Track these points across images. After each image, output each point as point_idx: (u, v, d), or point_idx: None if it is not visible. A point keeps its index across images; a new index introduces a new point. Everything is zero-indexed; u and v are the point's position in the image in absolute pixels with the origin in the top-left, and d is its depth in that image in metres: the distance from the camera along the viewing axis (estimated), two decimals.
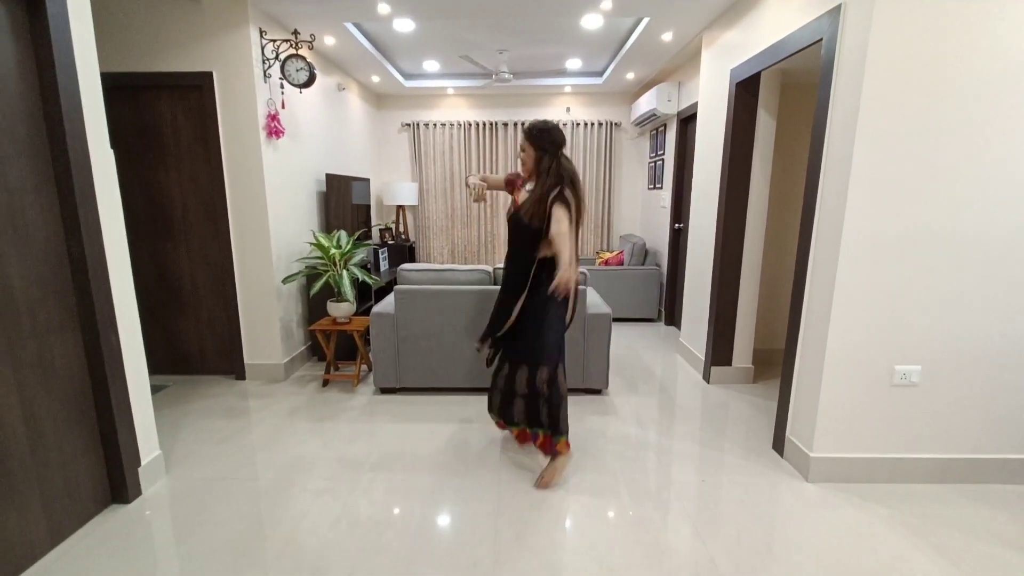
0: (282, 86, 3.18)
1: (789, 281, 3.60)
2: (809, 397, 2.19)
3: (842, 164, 1.98)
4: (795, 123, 3.39)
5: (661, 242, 4.98)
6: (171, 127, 3.14)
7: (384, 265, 5.06)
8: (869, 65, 1.85)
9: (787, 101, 3.27)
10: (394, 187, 5.43)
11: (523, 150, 2.15)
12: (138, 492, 2.08)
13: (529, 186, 2.19)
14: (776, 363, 3.65)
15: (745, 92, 2.98)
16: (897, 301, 2.02)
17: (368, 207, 5.13)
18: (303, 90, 3.17)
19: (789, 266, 3.60)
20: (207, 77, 3.02)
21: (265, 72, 3.11)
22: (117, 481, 2.02)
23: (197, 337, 3.41)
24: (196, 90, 3.06)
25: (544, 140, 2.08)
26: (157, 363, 3.43)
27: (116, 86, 3.05)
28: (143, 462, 2.12)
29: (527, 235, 2.11)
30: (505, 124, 5.65)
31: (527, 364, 2.17)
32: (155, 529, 1.91)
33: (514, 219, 2.18)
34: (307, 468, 2.31)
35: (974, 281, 1.99)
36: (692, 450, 2.48)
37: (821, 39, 2.12)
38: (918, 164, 1.92)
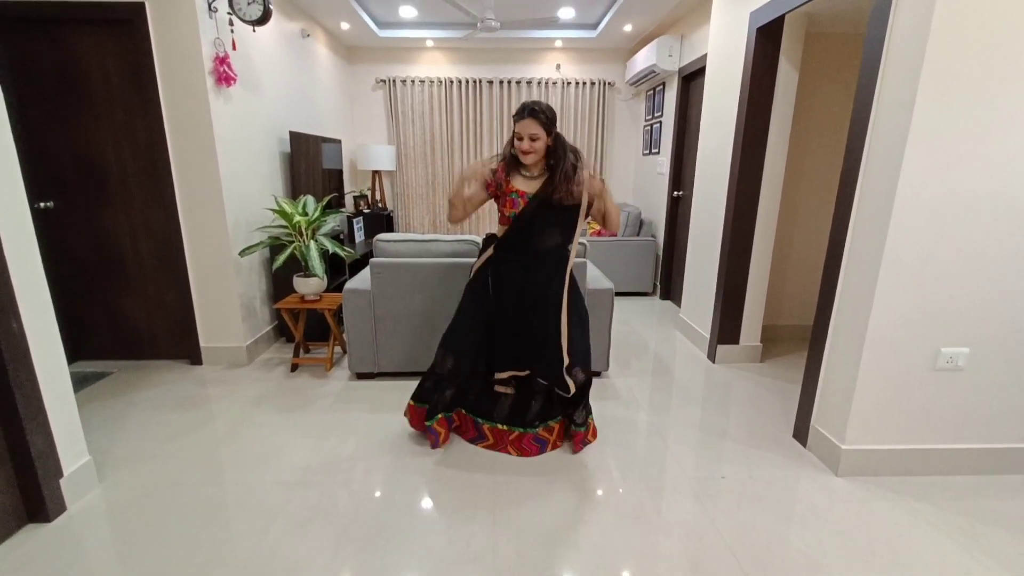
0: (231, 23, 2.70)
1: (801, 252, 3.37)
2: (843, 383, 1.95)
3: (898, 115, 1.68)
4: (816, 79, 3.07)
5: (657, 211, 4.68)
6: (98, 70, 2.64)
7: (359, 236, 4.66)
8: None
9: (808, 54, 2.94)
10: (369, 150, 4.97)
11: (536, 139, 1.88)
12: (62, 508, 1.74)
13: (527, 171, 1.97)
14: (783, 340, 3.44)
15: (765, 39, 2.64)
16: (949, 275, 1.77)
17: (340, 172, 4.67)
18: (257, 28, 2.70)
19: (803, 235, 3.34)
20: (138, 9, 2.52)
21: (210, 5, 2.63)
22: (32, 496, 1.67)
23: (145, 317, 3.00)
24: (126, 25, 2.56)
25: (554, 121, 1.92)
26: (100, 347, 3.02)
27: (25, 18, 2.53)
28: (66, 472, 1.77)
29: (563, 218, 1.96)
30: (490, 82, 5.18)
31: (582, 370, 2.01)
32: (81, 553, 1.57)
33: (538, 208, 1.93)
34: (272, 469, 1.99)
35: None
36: (705, 440, 2.25)
37: None
38: (994, 115, 1.63)
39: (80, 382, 2.76)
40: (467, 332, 2.07)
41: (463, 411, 2.19)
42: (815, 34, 2.94)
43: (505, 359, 2.10)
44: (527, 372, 2.08)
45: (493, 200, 2.02)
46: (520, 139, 1.88)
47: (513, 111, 2.10)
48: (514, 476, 1.97)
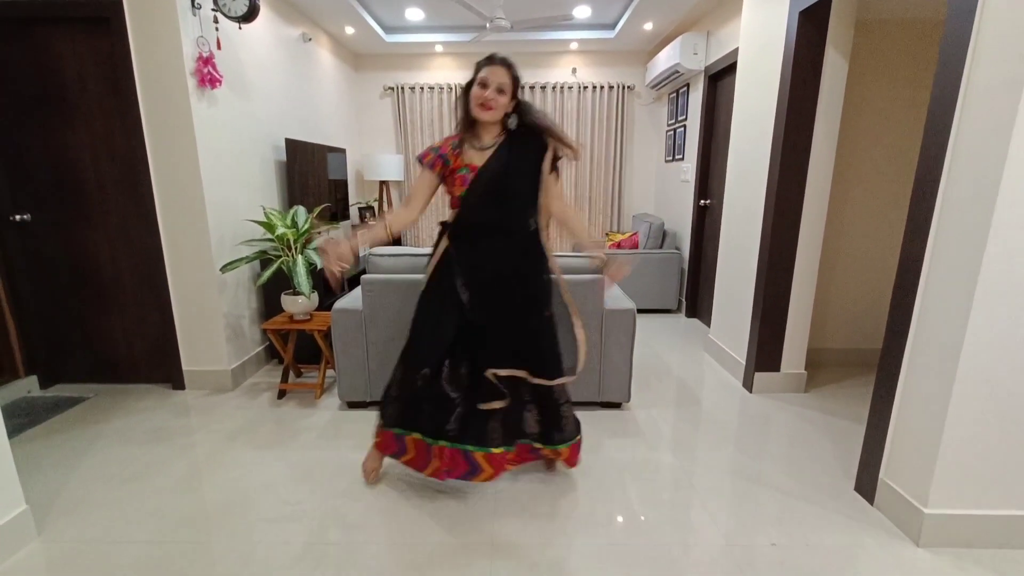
0: (216, 20, 2.49)
1: (851, 266, 2.99)
2: (924, 428, 1.58)
3: (997, 108, 1.34)
4: (868, 71, 2.71)
5: (682, 222, 4.33)
6: (75, 73, 2.46)
7: (363, 250, 4.40)
8: None
9: (859, 43, 2.60)
10: (376, 160, 4.75)
11: (503, 91, 1.61)
12: None
13: (479, 142, 1.69)
14: (829, 366, 3.04)
15: (809, 25, 2.31)
16: None
17: (345, 182, 4.46)
18: (243, 25, 2.49)
19: (852, 247, 2.96)
20: (116, 7, 2.33)
21: (193, 2, 2.43)
22: None
23: (124, 338, 2.78)
24: (102, 24, 2.37)
25: (520, 84, 1.67)
26: (79, 370, 2.81)
27: None
28: None
29: (525, 185, 1.68)
30: None
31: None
32: None
33: (505, 160, 1.66)
34: (235, 524, 1.70)
35: None
36: (746, 491, 1.88)
37: None
38: None
39: (52, 408, 2.54)
40: (431, 346, 1.73)
41: (444, 444, 1.72)
42: (867, 20, 2.60)
43: (503, 355, 1.71)
44: (526, 371, 1.72)
45: (443, 184, 1.76)
46: (485, 87, 1.59)
47: None
48: (517, 519, 1.65)
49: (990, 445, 1.51)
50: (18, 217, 2.59)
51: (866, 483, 1.81)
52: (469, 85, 1.64)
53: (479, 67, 1.63)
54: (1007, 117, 1.32)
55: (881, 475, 1.75)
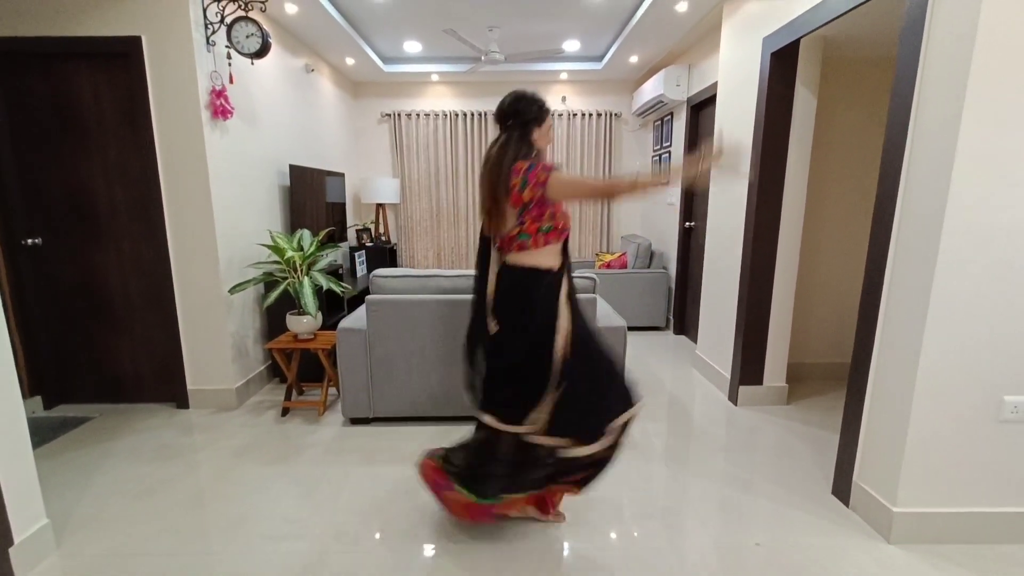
0: (229, 56, 2.65)
1: (827, 284, 3.17)
2: (891, 435, 1.72)
3: (941, 141, 1.52)
4: (836, 105, 2.94)
5: (668, 243, 4.52)
6: (92, 104, 2.58)
7: (361, 270, 4.54)
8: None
9: (826, 79, 2.83)
10: (373, 183, 4.90)
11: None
12: None
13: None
14: (810, 379, 3.20)
15: (781, 65, 2.53)
16: (1010, 315, 1.57)
17: (343, 205, 4.59)
18: (255, 61, 2.65)
19: (828, 267, 3.15)
20: (134, 43, 2.48)
21: (208, 39, 2.58)
22: None
23: (131, 358, 2.85)
24: (121, 59, 2.51)
25: None
26: (83, 390, 2.86)
27: (21, 53, 2.50)
28: (17, 539, 1.58)
29: None
30: None
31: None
32: None
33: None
34: (245, 536, 1.78)
35: None
36: (733, 497, 2.00)
37: None
38: None
39: (57, 428, 2.59)
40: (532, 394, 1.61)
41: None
42: (833, 59, 2.83)
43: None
44: None
45: (535, 209, 1.57)
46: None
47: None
48: (520, 526, 1.74)
49: (949, 448, 1.66)
50: (30, 241, 2.68)
51: (842, 486, 1.94)
52: (540, 121, 1.65)
53: (547, 113, 1.66)
54: (949, 150, 1.50)
55: (855, 478, 1.88)
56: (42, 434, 2.53)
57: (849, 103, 2.95)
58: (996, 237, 1.52)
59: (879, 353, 1.78)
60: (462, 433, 2.56)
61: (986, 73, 1.43)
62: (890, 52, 2.77)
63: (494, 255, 1.69)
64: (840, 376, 3.17)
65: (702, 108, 3.90)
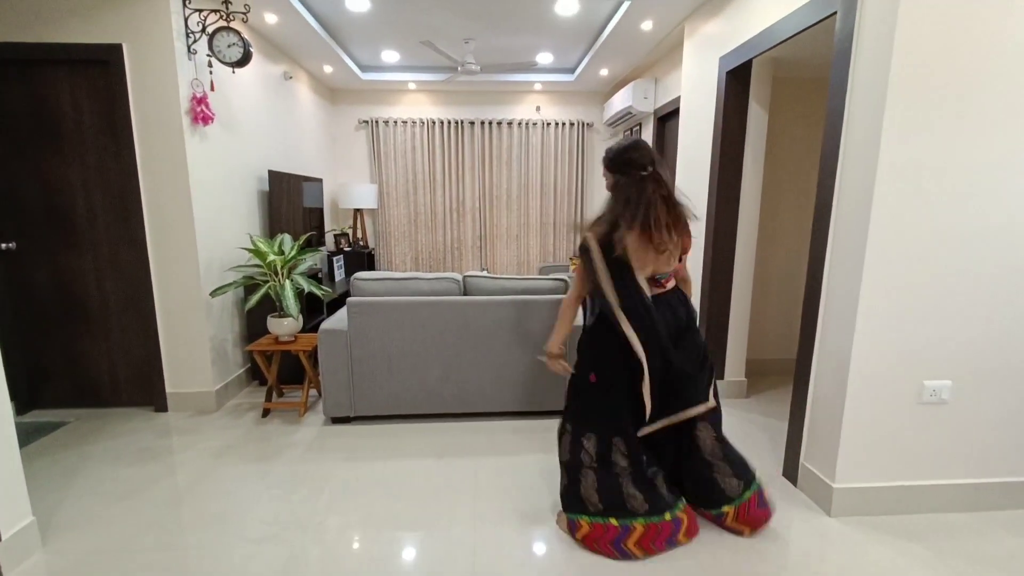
0: (210, 65, 2.71)
1: (782, 285, 3.40)
2: (829, 420, 1.92)
3: (866, 153, 1.73)
4: (786, 120, 3.18)
5: None
6: (72, 110, 2.61)
7: (339, 274, 4.59)
8: (900, 34, 1.60)
9: (777, 97, 3.06)
10: (351, 189, 4.97)
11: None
12: None
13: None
14: (768, 374, 3.42)
15: (735, 82, 2.74)
16: (927, 309, 1.78)
17: (321, 211, 4.64)
18: (236, 69, 2.71)
19: (782, 270, 3.38)
20: (115, 51, 2.52)
21: (189, 48, 2.64)
22: None
23: (107, 362, 2.85)
24: (102, 66, 2.55)
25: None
26: (58, 395, 2.85)
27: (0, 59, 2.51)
28: (4, 535, 1.61)
29: None
30: (472, 122, 5.29)
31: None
32: None
33: None
34: (230, 534, 1.84)
35: (1011, 288, 1.77)
36: None
37: (835, 12, 1.88)
38: (960, 153, 1.68)
39: (32, 433, 2.58)
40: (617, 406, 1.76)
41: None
42: (783, 78, 3.07)
43: (656, 410, 1.74)
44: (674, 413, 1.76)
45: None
46: None
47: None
48: (504, 524, 1.86)
49: (879, 428, 1.86)
50: (4, 245, 2.67)
51: (790, 468, 2.13)
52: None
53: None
54: (872, 162, 1.70)
55: (801, 460, 2.07)
56: (19, 438, 2.51)
57: (797, 119, 3.20)
58: (914, 243, 1.73)
59: (819, 347, 1.97)
60: (446, 430, 2.66)
61: (901, 94, 1.64)
62: (828, 74, 3.02)
63: (643, 283, 1.69)
64: (793, 371, 3.39)
65: (668, 120, 4.12)
